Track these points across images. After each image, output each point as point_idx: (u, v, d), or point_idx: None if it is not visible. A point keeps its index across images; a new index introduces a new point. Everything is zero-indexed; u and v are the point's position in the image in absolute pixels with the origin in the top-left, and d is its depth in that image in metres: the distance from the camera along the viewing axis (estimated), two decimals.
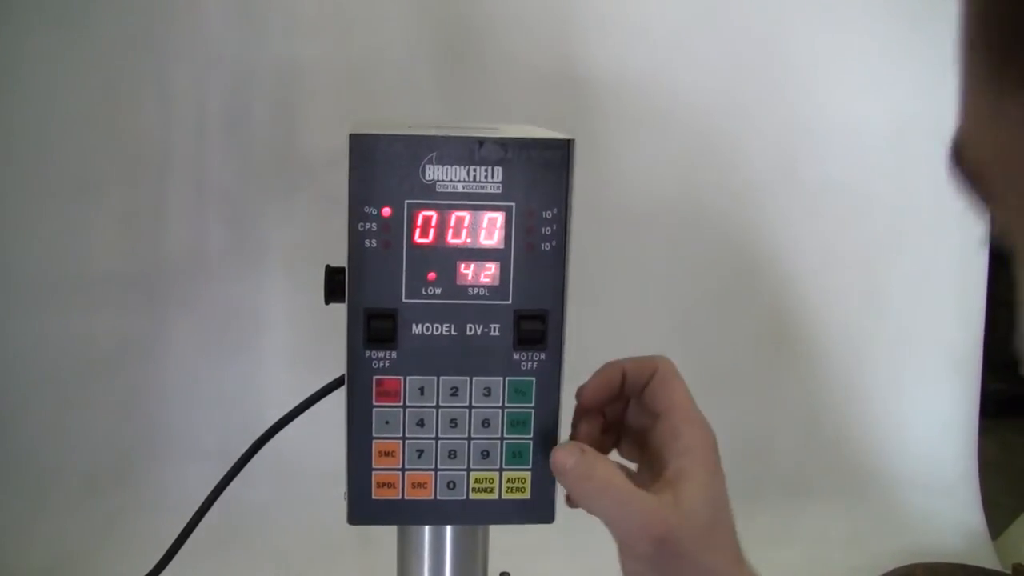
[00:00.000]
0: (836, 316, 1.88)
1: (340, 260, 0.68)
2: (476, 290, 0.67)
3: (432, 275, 0.67)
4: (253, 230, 1.70)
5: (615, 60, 1.75)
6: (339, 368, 0.71)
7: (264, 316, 1.72)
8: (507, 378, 0.69)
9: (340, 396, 0.77)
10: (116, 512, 1.64)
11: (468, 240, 0.67)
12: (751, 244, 1.83)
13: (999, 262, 2.17)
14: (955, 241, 1.88)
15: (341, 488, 0.71)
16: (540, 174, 0.66)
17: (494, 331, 0.68)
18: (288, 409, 0.86)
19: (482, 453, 0.70)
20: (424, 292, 0.67)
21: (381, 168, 0.65)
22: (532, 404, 0.69)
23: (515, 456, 0.70)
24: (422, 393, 0.69)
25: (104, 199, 1.67)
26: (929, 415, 1.90)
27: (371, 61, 1.68)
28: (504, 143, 0.65)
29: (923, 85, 1.83)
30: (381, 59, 1.68)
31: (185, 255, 1.69)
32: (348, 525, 0.72)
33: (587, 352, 0.71)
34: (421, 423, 0.69)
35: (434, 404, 0.69)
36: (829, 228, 1.85)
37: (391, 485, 0.70)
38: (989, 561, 1.71)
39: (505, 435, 0.70)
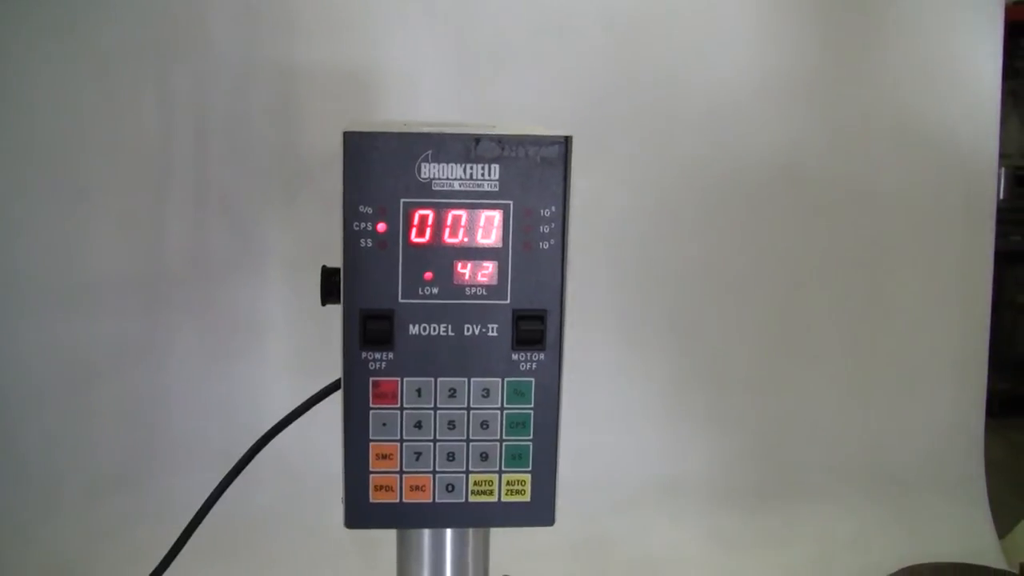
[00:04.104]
0: (842, 316, 1.87)
1: (339, 262, 0.68)
2: (474, 290, 0.67)
3: (429, 275, 0.66)
4: (254, 233, 1.70)
5: (620, 57, 1.74)
6: (341, 371, 0.71)
7: (266, 320, 1.72)
8: (506, 379, 0.68)
9: (339, 399, 0.76)
10: (119, 518, 1.63)
11: (465, 239, 0.66)
12: (756, 243, 1.82)
13: (1005, 262, 2.16)
14: (961, 241, 1.87)
15: (341, 492, 0.70)
16: (538, 171, 0.65)
17: (492, 331, 0.67)
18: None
19: (481, 455, 0.69)
20: (421, 292, 0.66)
21: (376, 167, 0.64)
22: (531, 405, 0.69)
23: (515, 458, 0.69)
24: (419, 395, 0.68)
25: (104, 202, 1.66)
26: (935, 415, 1.89)
27: (371, 64, 1.68)
28: (501, 140, 0.65)
29: (927, 85, 1.82)
30: (381, 61, 1.68)
31: (185, 259, 1.69)
32: (349, 529, 0.71)
33: (590, 353, 0.71)
34: (419, 425, 0.68)
35: (432, 406, 0.68)
36: (834, 227, 1.84)
37: (389, 488, 0.69)
38: (996, 560, 1.70)
39: (504, 437, 0.69)
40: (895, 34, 1.81)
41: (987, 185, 1.86)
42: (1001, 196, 1.93)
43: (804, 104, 1.81)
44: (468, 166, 0.65)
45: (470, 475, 0.69)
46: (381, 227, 0.65)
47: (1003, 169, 2.96)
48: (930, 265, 1.88)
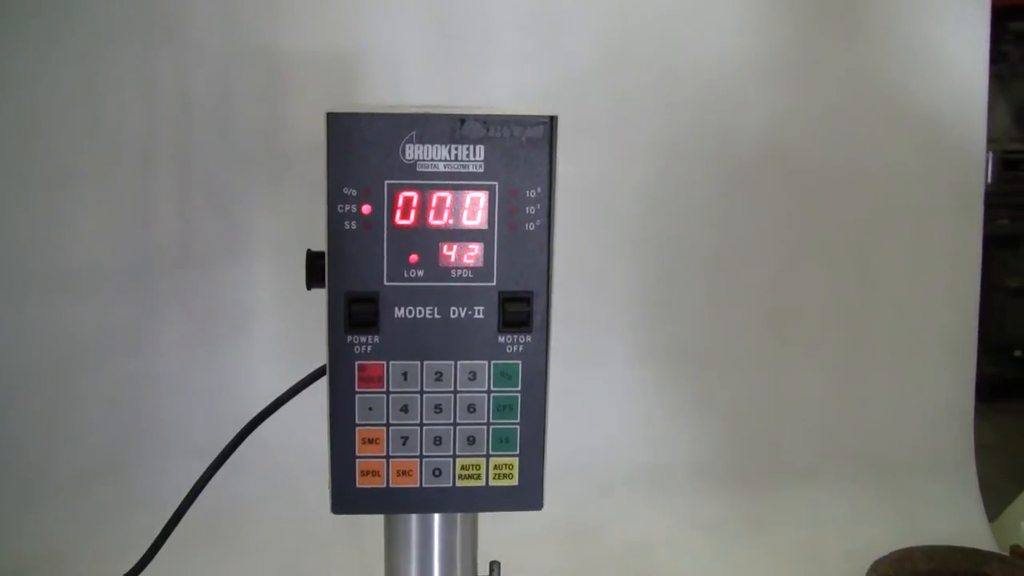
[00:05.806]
0: (832, 300, 1.86)
1: (324, 246, 0.67)
2: (459, 272, 0.66)
3: (414, 257, 0.66)
4: (239, 219, 1.68)
5: (606, 37, 1.73)
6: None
7: (252, 306, 1.70)
8: (492, 362, 0.68)
9: (325, 384, 0.75)
10: (105, 507, 1.62)
11: (450, 221, 0.65)
12: (745, 227, 1.81)
13: (993, 246, 2.17)
14: (949, 224, 1.87)
15: (327, 478, 0.70)
16: (523, 152, 0.65)
17: (478, 314, 0.67)
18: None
19: (468, 439, 0.69)
20: (406, 275, 0.66)
21: (360, 148, 0.64)
22: (518, 388, 0.68)
23: (502, 442, 0.69)
24: (405, 378, 0.67)
25: (88, 189, 1.65)
26: (925, 398, 1.89)
27: (355, 47, 1.66)
28: (486, 120, 0.64)
29: (915, 68, 1.81)
30: (365, 45, 1.67)
31: (171, 245, 1.67)
32: (337, 516, 0.70)
33: (582, 336, 0.70)
34: (405, 409, 0.68)
35: (418, 389, 0.68)
36: (823, 211, 1.83)
37: (375, 473, 0.68)
38: (986, 543, 1.69)
39: (491, 420, 0.69)
40: (883, 17, 1.81)
41: (975, 169, 1.86)
42: (988, 180, 1.92)
43: (792, 87, 1.80)
44: (453, 147, 0.64)
45: (457, 459, 0.69)
46: (366, 209, 0.65)
47: (990, 153, 2.96)
48: (919, 249, 1.87)
